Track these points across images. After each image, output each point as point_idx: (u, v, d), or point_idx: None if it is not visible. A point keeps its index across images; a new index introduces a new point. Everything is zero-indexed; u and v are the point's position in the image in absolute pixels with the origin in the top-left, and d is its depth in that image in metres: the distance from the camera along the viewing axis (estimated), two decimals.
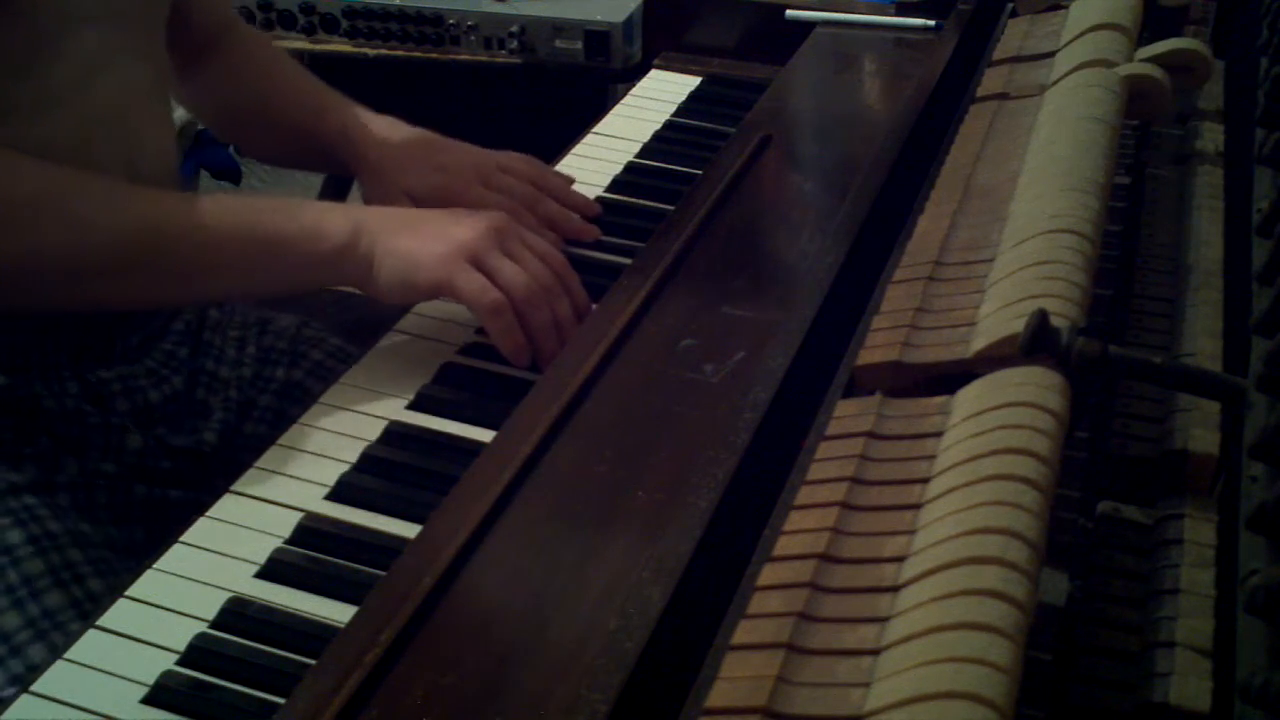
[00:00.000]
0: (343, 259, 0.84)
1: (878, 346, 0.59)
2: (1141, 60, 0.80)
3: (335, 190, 1.80)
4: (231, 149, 2.01)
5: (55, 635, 0.77)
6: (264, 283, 0.89)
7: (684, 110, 1.24)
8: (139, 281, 0.84)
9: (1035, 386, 0.50)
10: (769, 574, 0.47)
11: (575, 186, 1.08)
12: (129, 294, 0.86)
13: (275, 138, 1.10)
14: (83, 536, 0.84)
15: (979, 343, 0.56)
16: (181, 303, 0.97)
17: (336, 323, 1.09)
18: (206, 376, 0.99)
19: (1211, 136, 0.81)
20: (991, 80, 0.88)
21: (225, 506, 0.76)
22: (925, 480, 0.49)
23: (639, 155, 1.15)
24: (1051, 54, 0.86)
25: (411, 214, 0.90)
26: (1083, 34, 0.85)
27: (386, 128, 1.04)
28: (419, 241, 0.84)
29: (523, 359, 0.85)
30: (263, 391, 1.02)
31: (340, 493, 0.77)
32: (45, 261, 0.80)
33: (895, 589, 0.44)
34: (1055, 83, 0.80)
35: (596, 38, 1.40)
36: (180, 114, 2.00)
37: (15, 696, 0.65)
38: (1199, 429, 0.54)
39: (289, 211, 0.86)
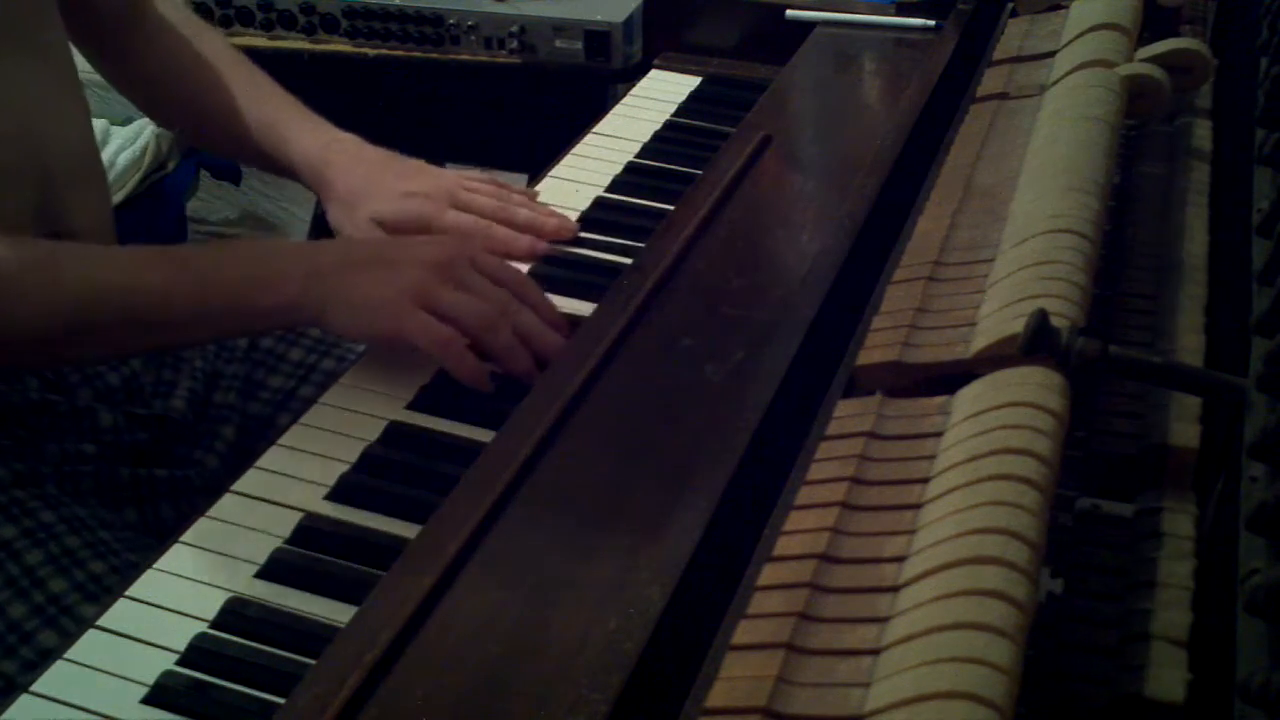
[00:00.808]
0: (294, 307, 0.84)
1: (878, 346, 0.59)
2: (1141, 60, 0.80)
3: None
4: None
5: (64, 620, 0.78)
6: (218, 332, 0.92)
7: (684, 110, 1.24)
8: (91, 343, 0.84)
9: (1035, 386, 0.50)
10: (769, 574, 0.47)
11: (575, 187, 1.08)
12: (80, 354, 0.88)
13: (228, 140, 1.09)
14: (77, 522, 0.84)
15: (979, 343, 0.56)
16: (137, 354, 0.97)
17: None
18: (172, 357, 1.00)
19: (1200, 133, 0.81)
20: (991, 80, 0.88)
21: (225, 506, 0.76)
22: (925, 480, 0.49)
23: (639, 155, 1.15)
24: (1051, 54, 0.86)
25: (362, 253, 0.89)
26: (1082, 34, 0.85)
27: (352, 155, 1.03)
28: (368, 289, 0.84)
29: (482, 385, 0.84)
30: (229, 361, 1.03)
31: (340, 493, 0.77)
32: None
33: (895, 589, 0.44)
34: (1055, 82, 0.80)
35: (596, 38, 1.40)
36: None
37: (32, 681, 0.65)
38: (1179, 423, 0.55)
39: (239, 261, 0.87)
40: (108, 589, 0.79)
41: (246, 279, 0.84)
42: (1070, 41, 0.85)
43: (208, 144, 1.21)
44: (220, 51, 1.09)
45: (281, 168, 1.06)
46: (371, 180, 1.01)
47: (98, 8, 1.03)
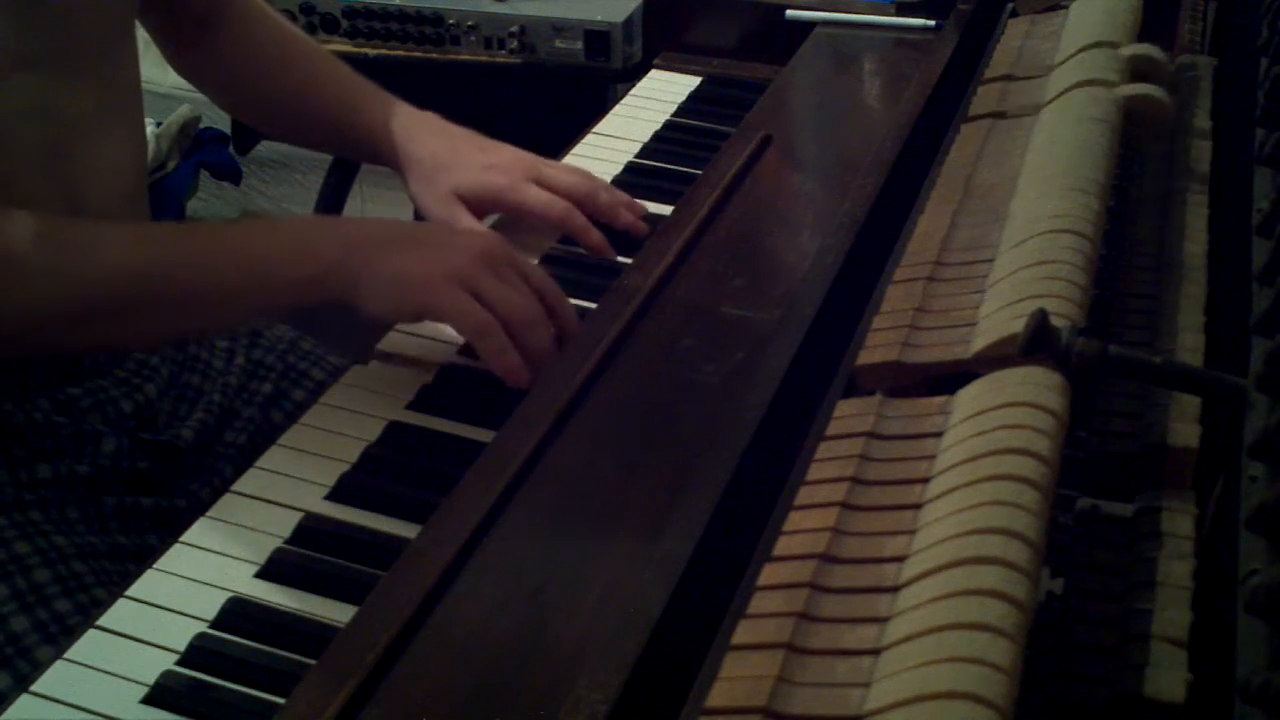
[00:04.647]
0: (330, 278, 0.81)
1: (878, 346, 0.59)
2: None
3: (338, 188, 1.80)
4: (231, 149, 2.01)
5: (20, 662, 0.77)
6: (255, 307, 0.88)
7: (684, 110, 1.24)
8: (133, 321, 0.82)
9: (1035, 386, 0.50)
10: (769, 574, 0.47)
11: None
12: (123, 335, 0.86)
13: (307, 127, 1.10)
14: (54, 553, 0.82)
15: (979, 343, 0.56)
16: (179, 336, 0.95)
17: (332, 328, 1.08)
18: (192, 391, 0.98)
19: (1200, 132, 0.81)
20: (984, 98, 0.86)
21: (225, 506, 0.76)
22: (925, 480, 0.49)
23: (639, 155, 1.15)
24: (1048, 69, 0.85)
25: (401, 231, 0.87)
26: (1079, 51, 0.83)
27: (435, 128, 1.03)
28: (407, 264, 0.82)
29: (520, 380, 0.81)
30: (247, 404, 1.01)
31: (340, 493, 0.77)
32: (38, 312, 0.80)
33: (895, 589, 0.44)
34: (1050, 101, 0.79)
35: (596, 38, 1.40)
36: (181, 113, 2.01)
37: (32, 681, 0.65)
38: (1179, 423, 0.55)
39: (275, 233, 0.86)
40: (69, 630, 0.76)
41: (280, 251, 0.83)
42: (1066, 59, 0.84)
43: (288, 135, 1.19)
44: (298, 40, 1.09)
45: (364, 150, 1.05)
46: (454, 152, 1.01)
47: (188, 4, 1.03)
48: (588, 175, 1.02)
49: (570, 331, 0.86)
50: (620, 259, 0.97)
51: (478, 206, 1.00)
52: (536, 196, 0.98)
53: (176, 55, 1.07)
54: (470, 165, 1.00)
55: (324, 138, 1.11)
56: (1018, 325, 0.53)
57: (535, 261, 0.98)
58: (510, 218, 1.03)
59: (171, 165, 1.98)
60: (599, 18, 1.40)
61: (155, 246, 0.83)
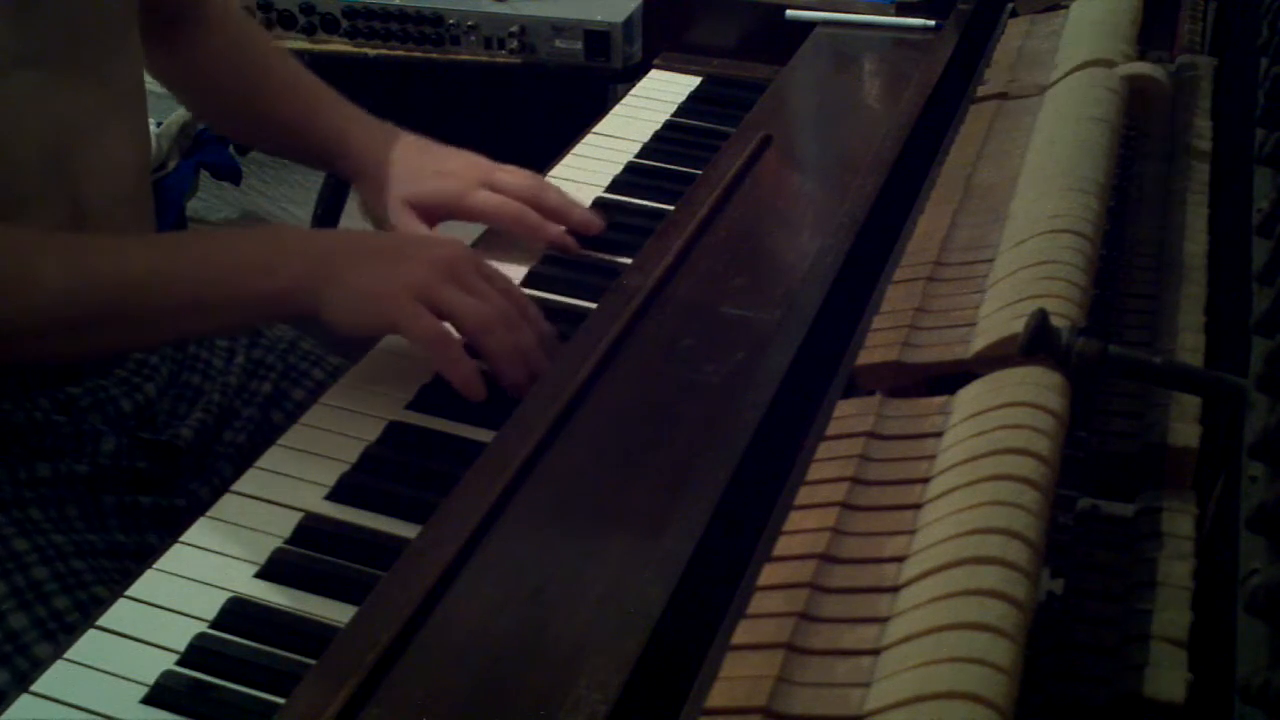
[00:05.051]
0: (298, 292, 0.81)
1: (878, 346, 0.59)
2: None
3: (337, 188, 1.81)
4: (231, 149, 2.01)
5: (19, 659, 0.77)
6: (221, 321, 0.88)
7: (684, 110, 1.24)
8: (97, 335, 0.82)
9: (1035, 386, 0.50)
10: (769, 574, 0.47)
11: (575, 187, 1.07)
12: (87, 347, 0.85)
13: (266, 133, 1.10)
14: (52, 550, 0.82)
15: (979, 343, 0.56)
16: (144, 348, 0.95)
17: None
18: (192, 391, 0.98)
19: (1200, 132, 0.81)
20: (991, 81, 0.87)
21: (225, 506, 0.76)
22: (925, 480, 0.49)
23: (639, 155, 1.15)
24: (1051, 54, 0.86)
25: (367, 244, 0.87)
26: (1082, 35, 0.84)
27: (386, 138, 1.03)
28: (369, 279, 0.82)
29: (474, 391, 0.82)
30: (247, 404, 1.01)
31: (340, 493, 0.77)
32: (39, 322, 0.80)
33: (895, 589, 0.44)
34: (1055, 83, 0.80)
35: (596, 38, 1.40)
36: (180, 114, 2.01)
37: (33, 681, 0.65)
38: (1179, 423, 0.55)
39: (238, 246, 0.85)
40: (68, 627, 0.77)
41: (245, 264, 0.82)
42: (1070, 43, 0.85)
43: (248, 138, 1.20)
44: (263, 45, 1.09)
45: (320, 158, 1.05)
46: (405, 161, 1.01)
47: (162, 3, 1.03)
48: (536, 178, 1.02)
49: (543, 337, 0.86)
50: (620, 259, 0.97)
51: (429, 214, 1.01)
52: (487, 200, 0.99)
53: (148, 58, 1.07)
54: (421, 173, 1.01)
55: (282, 145, 1.11)
56: (1018, 325, 0.53)
57: (534, 262, 0.99)
58: (504, 226, 1.03)
59: (171, 165, 1.98)
60: (599, 18, 1.40)
61: (113, 262, 0.82)
